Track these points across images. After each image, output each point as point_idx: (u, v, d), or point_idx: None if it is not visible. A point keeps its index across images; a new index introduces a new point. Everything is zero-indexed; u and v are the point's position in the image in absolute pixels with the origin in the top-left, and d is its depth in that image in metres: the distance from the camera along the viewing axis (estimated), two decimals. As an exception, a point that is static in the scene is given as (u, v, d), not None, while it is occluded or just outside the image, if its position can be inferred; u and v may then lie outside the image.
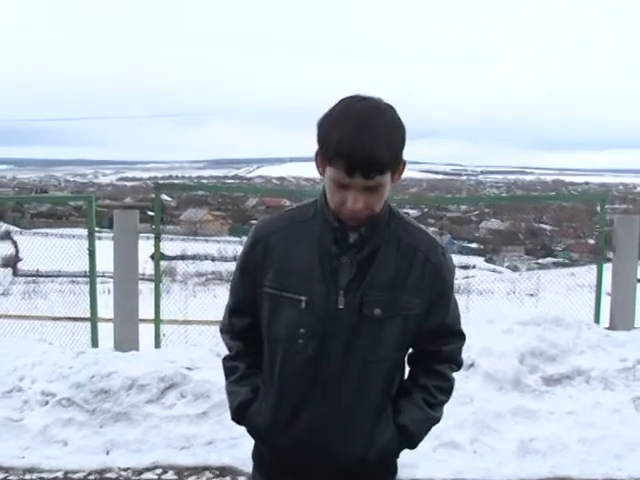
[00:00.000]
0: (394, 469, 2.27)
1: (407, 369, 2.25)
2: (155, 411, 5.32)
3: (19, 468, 4.84)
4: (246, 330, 2.23)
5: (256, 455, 2.29)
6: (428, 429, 2.22)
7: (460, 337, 2.26)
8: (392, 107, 1.99)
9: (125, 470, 4.82)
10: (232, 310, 2.28)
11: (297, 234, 2.09)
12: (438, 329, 2.16)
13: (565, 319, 6.17)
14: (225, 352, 2.34)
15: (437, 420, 2.22)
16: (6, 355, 6.05)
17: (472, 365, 5.71)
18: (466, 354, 5.65)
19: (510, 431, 5.21)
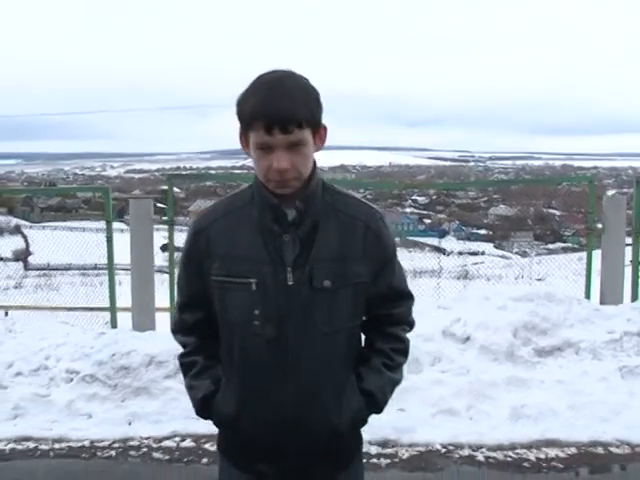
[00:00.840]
0: (360, 440, 2.31)
1: (363, 337, 2.30)
2: (173, 385, 5.70)
3: (48, 439, 5.23)
4: (198, 324, 2.24)
5: (224, 447, 2.30)
6: (392, 391, 2.26)
7: (408, 298, 2.31)
8: (304, 76, 2.05)
9: (146, 439, 5.20)
10: (182, 306, 2.28)
11: (236, 220, 2.11)
12: (387, 293, 2.21)
13: (557, 295, 6.53)
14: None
15: (398, 382, 2.27)
16: (32, 337, 6.47)
17: (468, 339, 6.09)
18: (463, 328, 6.10)
19: (503, 399, 5.57)
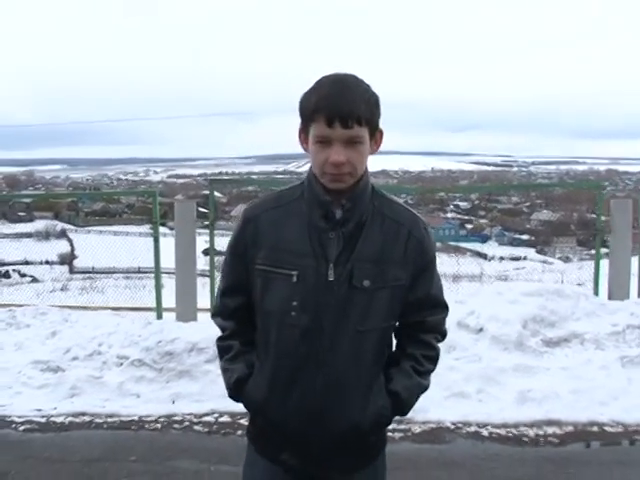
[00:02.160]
0: (384, 439, 2.38)
1: (395, 341, 2.36)
2: (212, 369, 6.30)
3: (102, 414, 5.89)
4: (238, 310, 2.32)
5: (252, 433, 2.37)
6: (418, 396, 2.31)
7: (444, 308, 2.37)
8: (365, 81, 2.15)
9: (188, 415, 5.82)
10: (224, 291, 2.36)
11: (285, 213, 2.19)
12: (423, 300, 2.28)
13: (565, 290, 7.05)
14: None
15: (425, 388, 2.32)
16: (86, 326, 7.17)
17: (481, 330, 6.64)
18: (476, 320, 6.65)
19: (511, 384, 6.10)
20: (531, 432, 5.38)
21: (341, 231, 2.13)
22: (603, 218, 7.86)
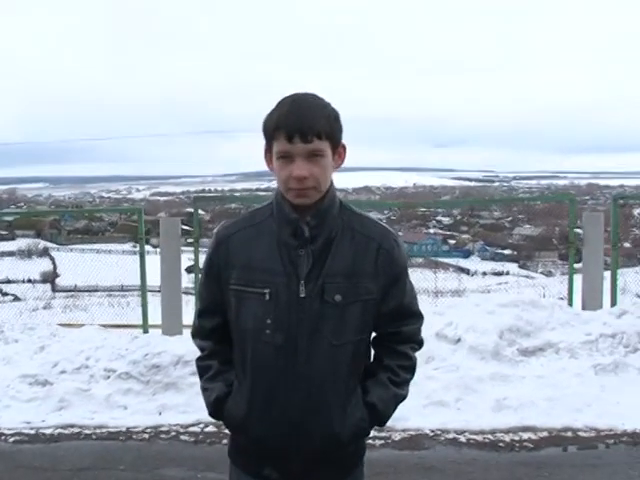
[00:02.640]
0: (363, 449, 2.40)
1: (372, 352, 2.38)
2: (198, 381, 6.45)
3: (90, 426, 6.04)
4: (215, 330, 2.35)
5: (233, 450, 2.39)
6: (395, 406, 2.34)
7: (418, 317, 2.39)
8: (323, 98, 2.21)
9: (175, 425, 5.98)
10: (201, 312, 2.40)
11: (256, 232, 2.24)
12: (396, 311, 2.30)
13: (540, 301, 7.28)
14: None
15: (403, 398, 2.35)
16: (74, 340, 7.31)
17: (459, 340, 6.84)
18: (454, 331, 6.86)
19: (488, 392, 6.30)
20: (507, 438, 5.58)
21: (310, 248, 2.17)
22: (577, 230, 8.12)
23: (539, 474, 4.91)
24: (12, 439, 5.78)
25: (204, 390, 2.37)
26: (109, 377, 6.70)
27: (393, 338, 2.33)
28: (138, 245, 8.47)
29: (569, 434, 5.68)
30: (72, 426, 6.03)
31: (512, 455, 5.30)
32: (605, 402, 6.15)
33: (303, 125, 2.07)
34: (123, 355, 6.91)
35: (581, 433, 5.69)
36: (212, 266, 2.29)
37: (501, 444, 5.47)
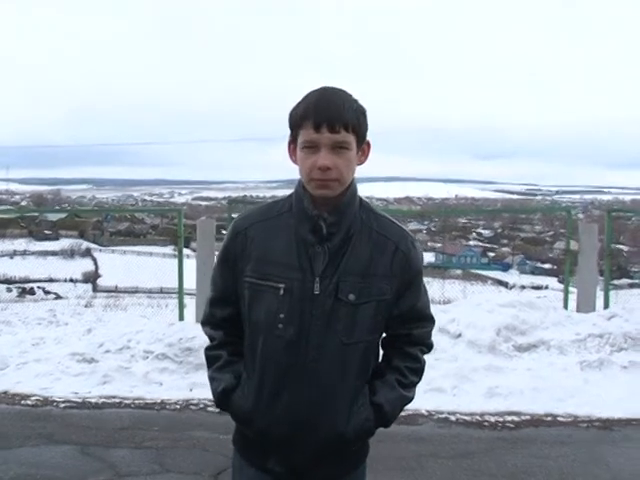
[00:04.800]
0: (367, 449, 2.39)
1: (381, 352, 2.37)
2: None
3: (130, 397, 6.91)
4: (227, 320, 2.32)
5: (238, 440, 2.38)
6: (401, 408, 2.32)
7: (430, 321, 2.39)
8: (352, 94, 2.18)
9: (203, 399, 6.82)
10: (213, 301, 2.37)
11: (274, 226, 2.22)
12: (409, 313, 2.28)
13: (537, 303, 8.02)
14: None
15: (409, 400, 2.33)
16: (118, 325, 8.25)
17: (459, 335, 7.62)
18: (455, 327, 7.63)
19: (482, 381, 7.05)
20: (492, 419, 6.34)
21: (327, 245, 2.15)
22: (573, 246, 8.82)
23: (513, 447, 5.67)
24: (63, 405, 6.67)
25: (212, 380, 2.35)
26: (147, 357, 7.58)
27: (403, 340, 2.33)
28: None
29: (549, 419, 6.40)
30: (114, 397, 6.90)
31: (494, 432, 6.05)
32: (587, 394, 6.86)
33: (331, 115, 2.06)
34: (160, 339, 7.79)
35: (560, 418, 6.41)
36: (228, 255, 2.28)
37: (486, 424, 6.23)
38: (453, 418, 6.36)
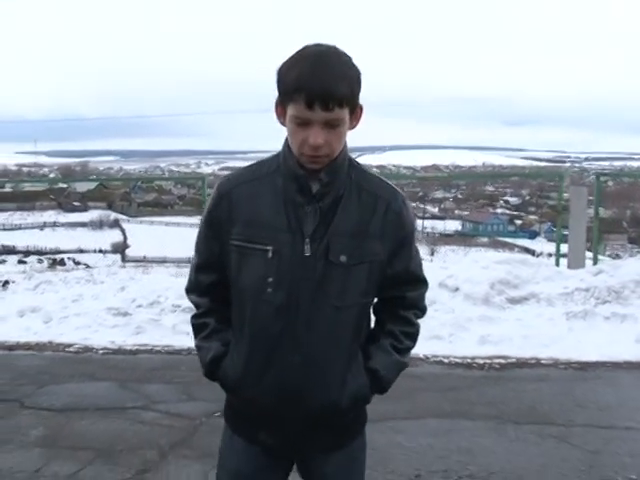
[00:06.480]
0: (364, 417, 2.34)
1: (374, 318, 2.31)
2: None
3: (160, 345, 7.78)
4: (213, 286, 2.25)
5: (229, 413, 2.33)
6: (397, 373, 2.27)
7: (423, 283, 2.32)
8: (347, 54, 2.03)
9: (226, 347, 7.69)
10: (198, 267, 2.28)
11: (260, 187, 2.12)
12: (402, 275, 2.22)
13: (529, 260, 8.75)
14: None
15: (405, 365, 2.28)
16: (149, 281, 9.10)
17: (457, 289, 8.38)
18: (454, 282, 8.40)
19: (476, 330, 7.81)
20: (481, 361, 7.11)
21: (318, 205, 2.07)
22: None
23: (495, 383, 6.44)
24: (101, 352, 7.56)
25: (199, 349, 2.29)
26: (175, 311, 8.42)
27: (397, 303, 2.27)
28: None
29: (533, 362, 7.16)
30: (146, 345, 7.77)
31: (480, 372, 6.83)
32: (570, 341, 7.59)
33: (326, 92, 1.92)
34: (187, 295, 8.63)
35: (543, 361, 7.14)
36: (212, 220, 2.19)
37: (474, 365, 7.01)
38: (446, 361, 7.13)
